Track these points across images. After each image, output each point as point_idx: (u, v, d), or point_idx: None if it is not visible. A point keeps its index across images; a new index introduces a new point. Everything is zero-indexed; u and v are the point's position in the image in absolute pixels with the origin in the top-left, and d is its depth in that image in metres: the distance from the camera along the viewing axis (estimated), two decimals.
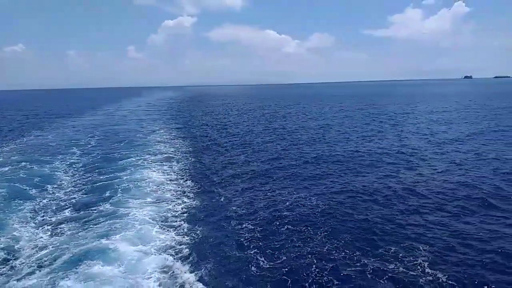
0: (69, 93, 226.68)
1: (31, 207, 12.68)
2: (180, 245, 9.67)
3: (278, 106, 65.48)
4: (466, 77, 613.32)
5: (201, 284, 7.88)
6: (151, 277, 8.05)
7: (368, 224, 10.79)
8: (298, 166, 18.47)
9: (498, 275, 7.96)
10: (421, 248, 9.16)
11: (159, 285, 7.80)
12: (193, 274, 8.22)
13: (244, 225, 11.00)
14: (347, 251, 9.19)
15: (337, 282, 7.88)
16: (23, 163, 18.99)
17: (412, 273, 8.12)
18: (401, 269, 8.27)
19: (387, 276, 8.02)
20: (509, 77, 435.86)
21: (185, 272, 8.28)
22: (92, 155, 21.71)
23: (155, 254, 9.09)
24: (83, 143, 26.27)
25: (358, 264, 8.59)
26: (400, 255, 8.89)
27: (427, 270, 8.17)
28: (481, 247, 9.16)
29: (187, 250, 9.38)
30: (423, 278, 7.89)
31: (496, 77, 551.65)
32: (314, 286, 7.83)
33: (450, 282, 7.70)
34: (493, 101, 60.70)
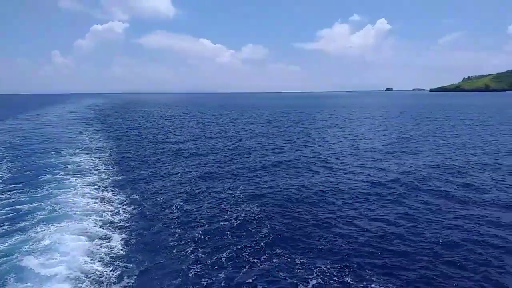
0: None
1: None
2: (110, 212, 12.85)
3: (200, 112, 71.21)
4: (387, 89, 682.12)
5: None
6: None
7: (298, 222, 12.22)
8: (200, 153, 23.20)
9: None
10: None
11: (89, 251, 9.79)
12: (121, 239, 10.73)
13: (160, 198, 14.74)
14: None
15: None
16: None
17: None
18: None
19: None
20: (424, 90, 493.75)
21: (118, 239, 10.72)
22: (16, 153, 23.01)
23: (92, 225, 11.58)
24: (7, 143, 27.56)
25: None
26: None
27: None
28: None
29: (118, 218, 12.40)
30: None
31: (413, 89, 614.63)
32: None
33: None
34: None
